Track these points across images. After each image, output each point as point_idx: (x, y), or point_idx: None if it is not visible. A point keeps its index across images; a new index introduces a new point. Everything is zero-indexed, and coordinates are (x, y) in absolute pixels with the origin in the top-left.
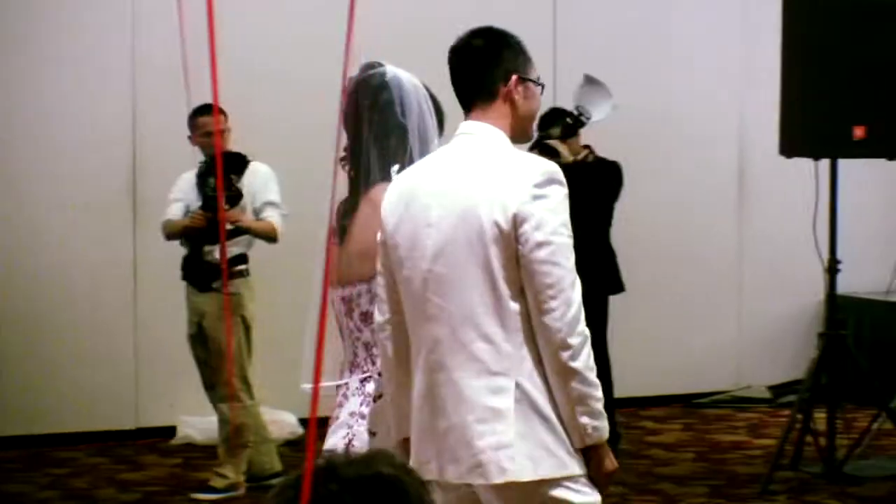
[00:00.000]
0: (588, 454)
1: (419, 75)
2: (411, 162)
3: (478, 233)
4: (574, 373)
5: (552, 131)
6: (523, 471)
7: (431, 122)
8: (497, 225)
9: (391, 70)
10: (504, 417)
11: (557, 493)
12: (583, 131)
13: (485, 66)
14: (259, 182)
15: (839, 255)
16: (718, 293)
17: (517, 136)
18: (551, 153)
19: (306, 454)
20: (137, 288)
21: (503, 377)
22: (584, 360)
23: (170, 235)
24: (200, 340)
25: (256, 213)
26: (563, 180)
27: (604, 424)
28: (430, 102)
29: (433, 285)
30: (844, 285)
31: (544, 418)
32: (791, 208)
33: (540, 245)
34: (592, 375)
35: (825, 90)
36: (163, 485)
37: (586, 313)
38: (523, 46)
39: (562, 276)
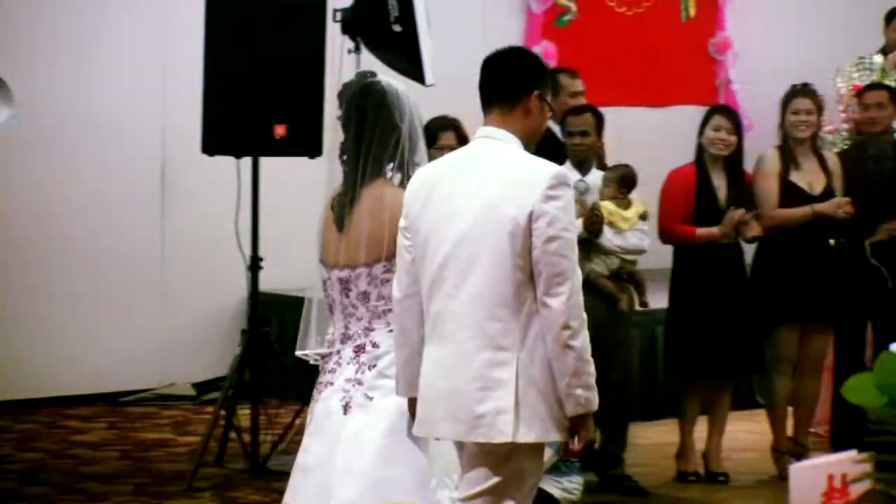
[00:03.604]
0: (576, 421)
1: None
2: (403, 160)
3: (497, 225)
4: (572, 350)
5: None
6: (518, 433)
7: (419, 125)
8: (515, 220)
9: (385, 79)
10: (505, 386)
11: (527, 464)
12: None
13: (513, 77)
14: None
15: (262, 253)
16: (142, 291)
17: (525, 145)
18: None
19: None
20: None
21: (507, 352)
22: (582, 340)
23: None
24: None
25: None
26: (570, 183)
27: (595, 396)
28: (418, 109)
29: (452, 267)
30: (268, 283)
31: (539, 390)
32: (215, 206)
33: (552, 239)
34: (588, 354)
35: (246, 89)
36: None
37: None
38: (548, 71)
39: (568, 266)
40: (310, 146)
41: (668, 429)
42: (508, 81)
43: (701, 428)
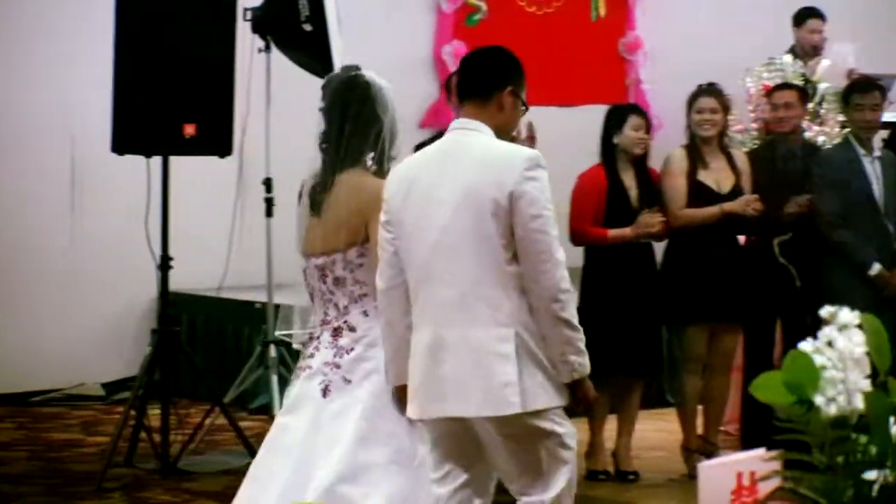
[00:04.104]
0: (574, 386)
1: None
2: (383, 151)
3: (480, 208)
4: (563, 321)
5: None
6: (525, 403)
7: (397, 119)
8: (496, 202)
9: (368, 73)
10: (508, 361)
11: (545, 424)
12: None
13: (488, 71)
14: None
15: (172, 253)
16: (51, 290)
17: (496, 138)
18: None
19: None
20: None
21: (504, 328)
22: (570, 311)
23: None
24: None
25: None
26: (545, 165)
27: (587, 361)
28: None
29: (441, 254)
30: (179, 282)
31: (538, 360)
32: (125, 205)
33: (533, 218)
34: (576, 321)
35: (156, 87)
36: None
37: None
38: (523, 70)
39: (550, 242)
40: (220, 145)
41: (578, 427)
42: (483, 77)
43: (611, 426)
